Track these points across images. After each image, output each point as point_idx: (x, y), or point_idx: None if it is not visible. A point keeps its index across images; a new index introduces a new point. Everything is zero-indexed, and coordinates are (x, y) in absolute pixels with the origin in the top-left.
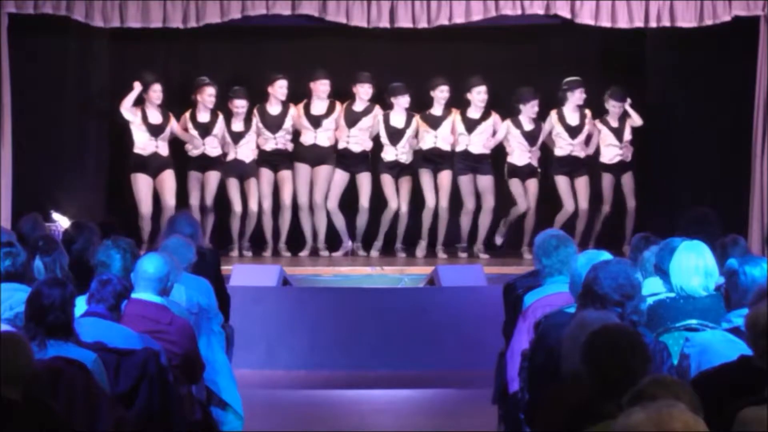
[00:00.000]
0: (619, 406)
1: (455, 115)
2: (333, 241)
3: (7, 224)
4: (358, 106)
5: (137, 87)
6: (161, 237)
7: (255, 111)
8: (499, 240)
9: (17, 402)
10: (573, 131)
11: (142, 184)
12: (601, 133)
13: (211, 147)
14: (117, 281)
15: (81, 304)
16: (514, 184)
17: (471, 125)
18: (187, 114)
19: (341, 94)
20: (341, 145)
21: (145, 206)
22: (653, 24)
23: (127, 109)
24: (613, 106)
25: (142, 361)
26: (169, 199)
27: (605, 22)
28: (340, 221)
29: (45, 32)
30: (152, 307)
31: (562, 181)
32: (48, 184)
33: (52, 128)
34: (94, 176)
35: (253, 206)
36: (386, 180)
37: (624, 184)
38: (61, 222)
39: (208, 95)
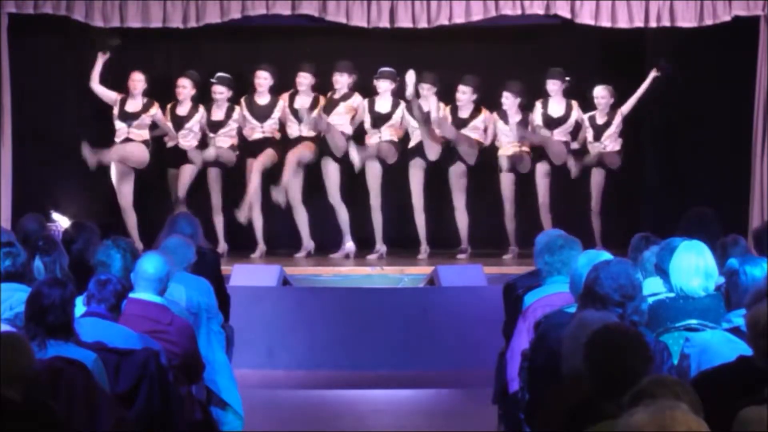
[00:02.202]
0: (619, 406)
1: (446, 111)
2: (331, 240)
3: (7, 224)
4: (337, 93)
5: (101, 57)
6: (161, 237)
7: (242, 101)
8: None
9: (17, 402)
10: (553, 122)
11: (117, 173)
12: (584, 128)
13: (184, 139)
14: (116, 281)
15: (78, 305)
16: (505, 181)
17: (460, 125)
18: (169, 106)
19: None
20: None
21: (124, 198)
22: (653, 24)
23: (97, 84)
24: (595, 98)
25: (142, 361)
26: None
27: (605, 22)
28: (343, 215)
29: (45, 32)
30: (152, 307)
31: (540, 169)
32: (48, 184)
33: (52, 128)
34: (94, 176)
35: (215, 200)
36: (371, 169)
37: (596, 179)
38: (61, 222)
39: (179, 86)
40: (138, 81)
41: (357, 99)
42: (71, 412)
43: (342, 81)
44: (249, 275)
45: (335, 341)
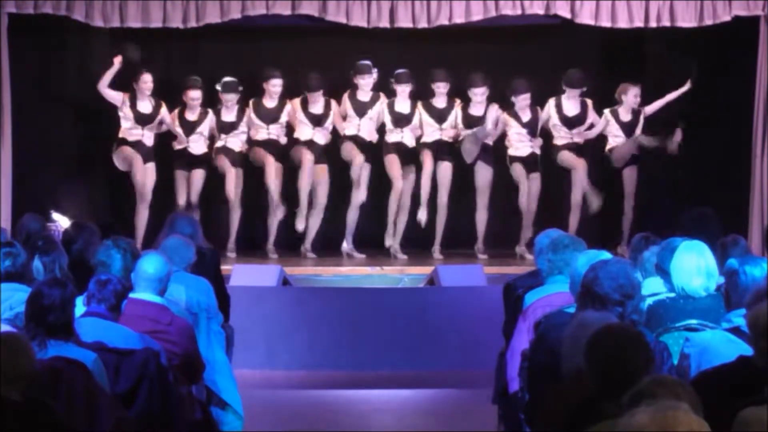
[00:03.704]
0: (619, 406)
1: (458, 108)
2: (333, 240)
3: (7, 224)
4: (363, 96)
5: (117, 63)
6: (161, 237)
7: (250, 104)
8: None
9: (17, 402)
10: (570, 122)
11: (129, 152)
12: (609, 125)
13: (196, 145)
14: (117, 281)
15: (78, 305)
16: (516, 169)
17: (473, 123)
18: (176, 111)
19: (340, 93)
20: (351, 132)
21: (139, 173)
22: (653, 24)
23: (106, 87)
24: (625, 96)
25: (142, 361)
26: (146, 193)
27: (605, 22)
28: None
29: (45, 32)
30: (152, 307)
31: (566, 154)
32: (48, 184)
33: (52, 128)
34: (94, 176)
35: (231, 195)
36: (392, 159)
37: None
38: (61, 222)
39: (191, 99)
40: (148, 82)
41: (383, 101)
42: (71, 412)
43: (365, 83)
44: (249, 275)
45: (335, 341)
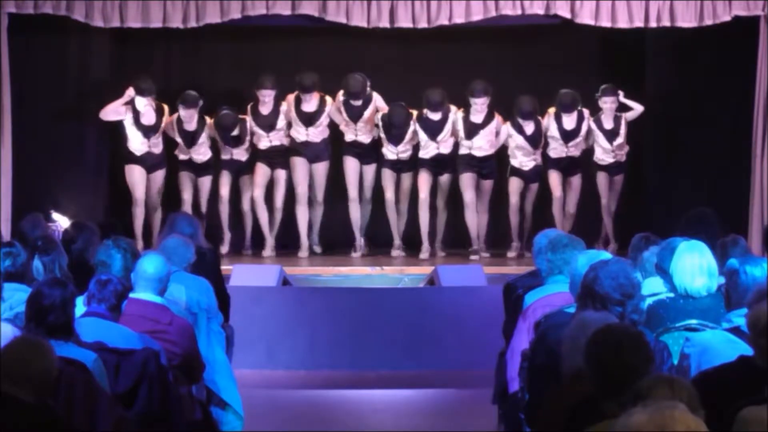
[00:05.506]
0: (619, 406)
1: (456, 116)
2: (338, 239)
3: (7, 224)
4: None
5: (129, 94)
6: (161, 236)
7: (248, 110)
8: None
9: (22, 401)
10: (568, 136)
11: (136, 174)
12: (594, 133)
13: (198, 154)
14: (117, 281)
15: (78, 305)
16: (514, 182)
17: (473, 130)
18: (174, 118)
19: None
20: (350, 138)
21: (139, 192)
22: (653, 24)
23: (108, 115)
24: (604, 102)
25: (142, 361)
26: (156, 199)
27: (605, 22)
28: (356, 214)
29: (45, 32)
30: (152, 307)
31: (554, 174)
32: (48, 184)
33: (52, 128)
34: (94, 176)
35: (245, 205)
36: (386, 174)
37: (614, 183)
38: (61, 222)
39: (187, 117)
40: (149, 106)
41: (375, 97)
42: (71, 412)
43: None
44: (249, 275)
45: (335, 341)
